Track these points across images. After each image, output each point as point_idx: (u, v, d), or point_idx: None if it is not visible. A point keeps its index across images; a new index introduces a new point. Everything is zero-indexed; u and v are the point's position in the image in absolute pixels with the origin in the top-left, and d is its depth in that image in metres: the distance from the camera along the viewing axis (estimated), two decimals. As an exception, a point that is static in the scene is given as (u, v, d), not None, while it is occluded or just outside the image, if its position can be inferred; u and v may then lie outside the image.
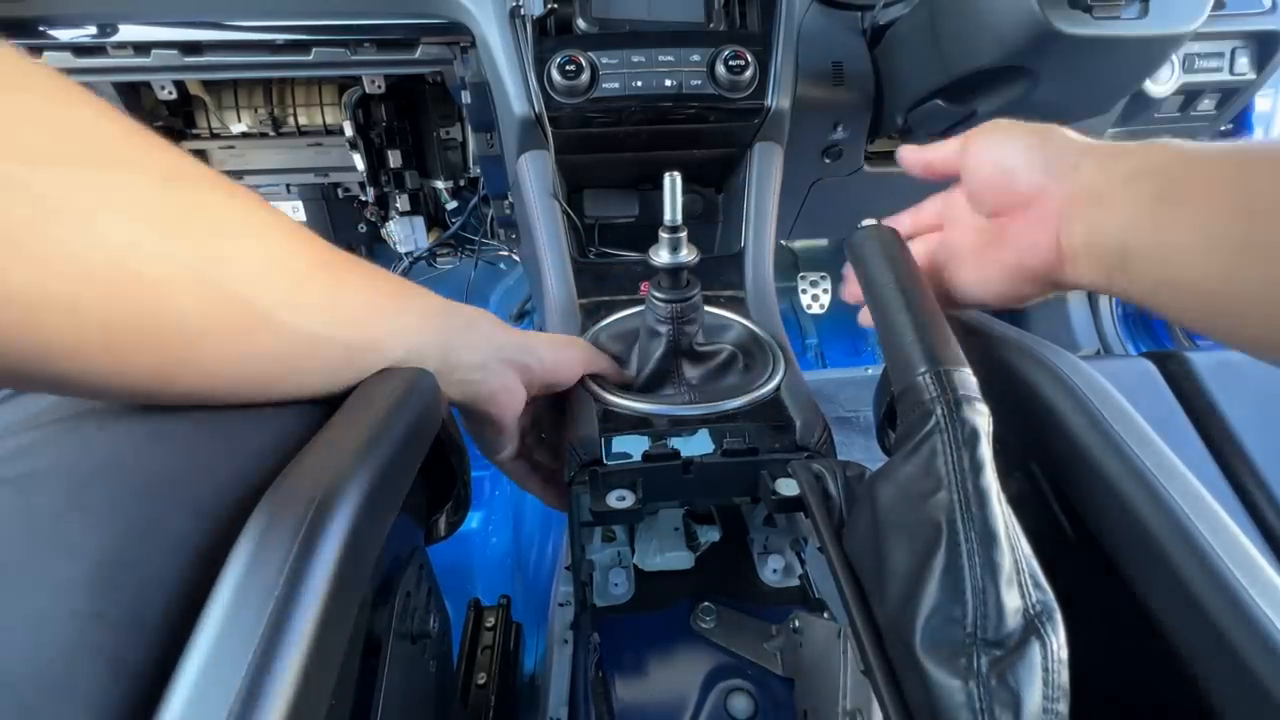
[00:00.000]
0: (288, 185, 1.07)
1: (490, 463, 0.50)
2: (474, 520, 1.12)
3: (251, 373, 0.30)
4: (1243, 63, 0.83)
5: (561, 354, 0.46)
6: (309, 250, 0.31)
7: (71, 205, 0.22)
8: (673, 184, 0.44)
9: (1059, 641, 0.25)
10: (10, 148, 0.21)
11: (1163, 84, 0.81)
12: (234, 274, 0.27)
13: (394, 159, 1.04)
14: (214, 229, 0.27)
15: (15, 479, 0.25)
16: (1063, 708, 0.24)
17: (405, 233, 1.11)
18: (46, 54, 0.72)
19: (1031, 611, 0.26)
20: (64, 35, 0.71)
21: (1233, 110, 0.89)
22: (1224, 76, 0.83)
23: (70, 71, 0.75)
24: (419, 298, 0.37)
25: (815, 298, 1.38)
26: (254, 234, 0.29)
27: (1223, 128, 0.98)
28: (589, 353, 0.50)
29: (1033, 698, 0.24)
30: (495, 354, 0.41)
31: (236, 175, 1.04)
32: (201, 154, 1.02)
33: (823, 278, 1.39)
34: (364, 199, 1.08)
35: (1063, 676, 0.25)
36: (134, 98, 0.91)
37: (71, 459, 0.26)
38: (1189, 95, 0.85)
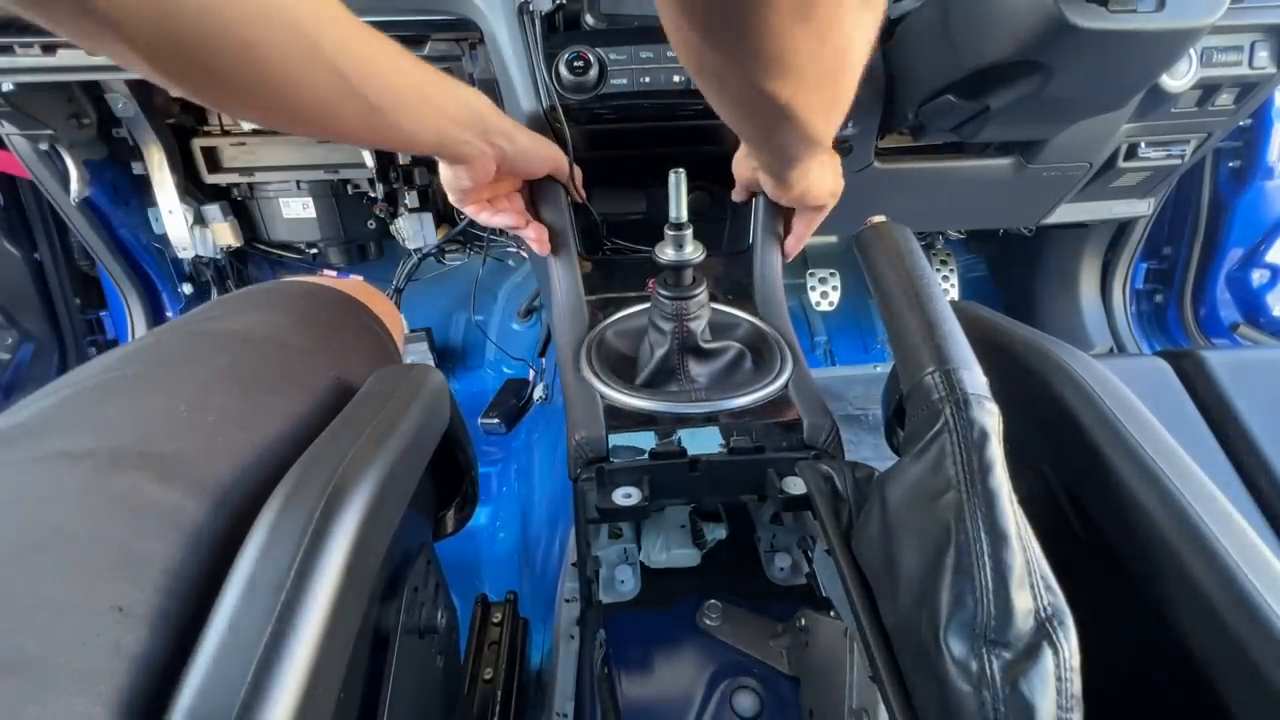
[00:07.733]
0: (298, 182, 1.07)
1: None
2: (481, 516, 1.13)
3: (307, 102, 0.37)
4: (1262, 56, 0.81)
5: (533, 150, 0.56)
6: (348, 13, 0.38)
7: None
8: (677, 181, 0.44)
9: (1071, 648, 0.25)
10: None
11: (1180, 78, 0.80)
12: (301, 13, 0.34)
13: (403, 156, 1.04)
14: None
15: (38, 459, 0.25)
16: (1076, 717, 0.24)
17: (414, 229, 1.11)
18: (60, 52, 0.73)
19: (1043, 614, 0.25)
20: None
21: (1252, 105, 0.87)
22: (1243, 70, 0.81)
23: (83, 70, 0.75)
24: (439, 78, 0.46)
25: (824, 294, 1.37)
26: None
27: (1242, 123, 0.96)
28: (560, 162, 0.59)
29: (1046, 707, 0.24)
30: (481, 133, 0.50)
31: (247, 172, 1.04)
32: (213, 150, 1.03)
33: (832, 274, 1.38)
34: (373, 195, 1.08)
35: (1075, 685, 0.24)
36: (146, 94, 0.91)
37: (91, 441, 0.26)
38: (1207, 90, 0.84)
